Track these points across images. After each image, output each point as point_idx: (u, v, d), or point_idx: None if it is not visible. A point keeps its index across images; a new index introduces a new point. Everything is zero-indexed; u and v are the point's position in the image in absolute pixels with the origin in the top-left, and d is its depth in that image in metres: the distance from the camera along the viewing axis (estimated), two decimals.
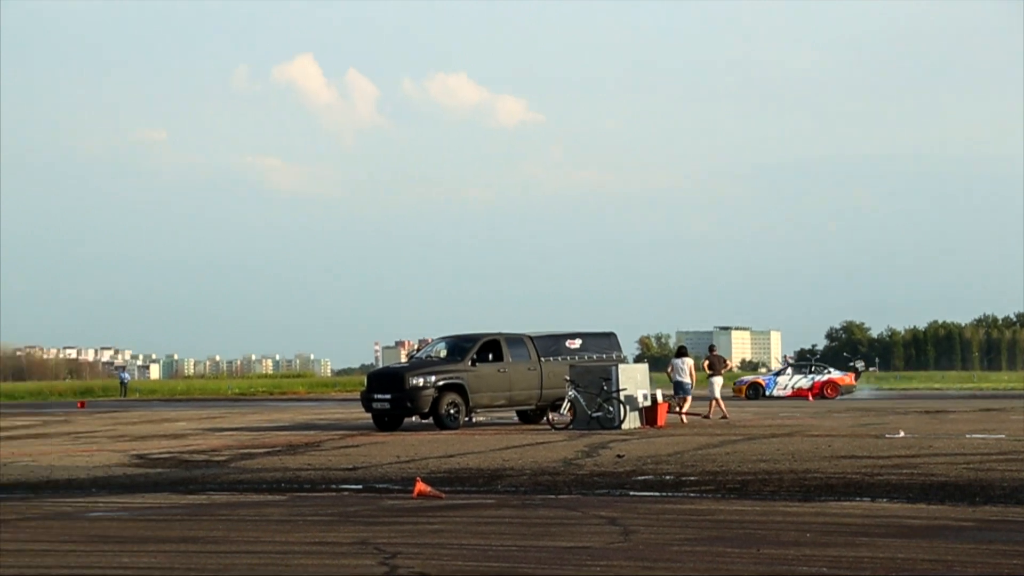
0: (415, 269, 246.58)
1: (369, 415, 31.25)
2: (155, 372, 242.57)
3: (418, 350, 38.55)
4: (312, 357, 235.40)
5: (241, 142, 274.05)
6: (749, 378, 58.13)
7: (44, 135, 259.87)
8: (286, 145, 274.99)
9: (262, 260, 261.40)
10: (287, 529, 12.22)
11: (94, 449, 24.99)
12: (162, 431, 31.99)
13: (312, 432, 29.98)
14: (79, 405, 61.40)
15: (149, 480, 18.29)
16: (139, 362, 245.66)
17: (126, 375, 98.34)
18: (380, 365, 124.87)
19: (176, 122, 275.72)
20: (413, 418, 30.84)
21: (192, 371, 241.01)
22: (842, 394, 53.83)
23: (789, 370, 56.61)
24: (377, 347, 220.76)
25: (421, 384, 29.90)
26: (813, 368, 56.41)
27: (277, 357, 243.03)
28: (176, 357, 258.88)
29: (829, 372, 55.22)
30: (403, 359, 37.88)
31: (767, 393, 54.10)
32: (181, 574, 9.61)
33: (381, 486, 17.05)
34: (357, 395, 37.60)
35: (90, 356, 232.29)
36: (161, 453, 23.45)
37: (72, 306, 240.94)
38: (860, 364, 63.40)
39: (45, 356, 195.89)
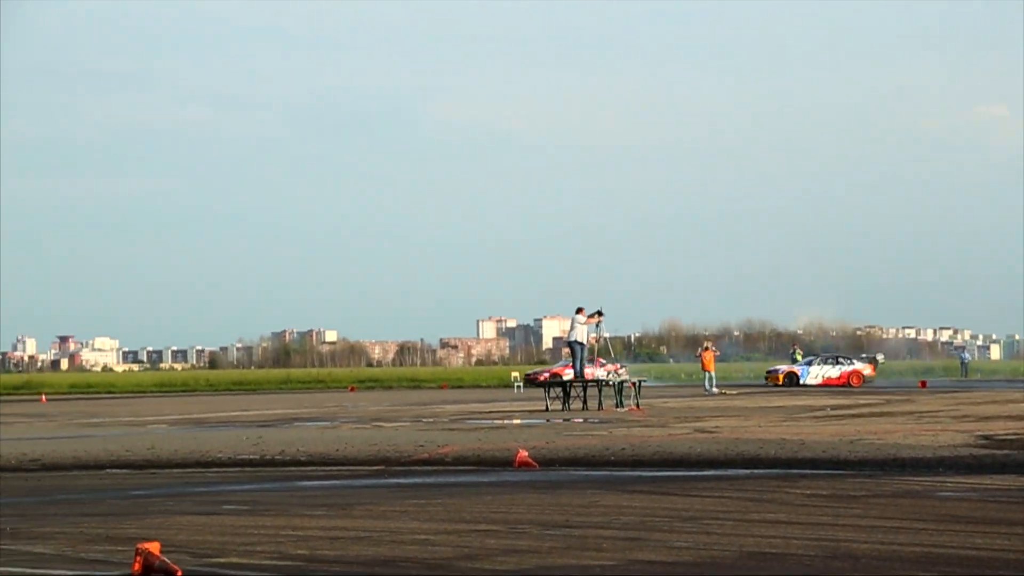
0: None
1: None
2: (995, 352, 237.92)
3: None
4: None
5: None
6: (785, 368, 63.01)
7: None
8: None
9: None
10: None
11: (938, 429, 24.90)
12: (1007, 412, 31.28)
13: None
14: (919, 385, 61.93)
15: (996, 461, 17.87)
16: (979, 342, 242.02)
17: (967, 355, 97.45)
18: None
19: (1016, 97, 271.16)
20: None
21: None
22: (866, 383, 60.09)
23: (817, 360, 62.61)
24: None
25: None
26: (840, 360, 62.66)
27: None
28: (1016, 337, 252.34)
29: (853, 363, 61.87)
30: None
31: (801, 382, 59.63)
32: None
33: None
34: None
35: (928, 336, 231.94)
36: (1007, 434, 22.88)
37: (914, 286, 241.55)
38: (880, 356, 71.05)
39: (884, 336, 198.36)
